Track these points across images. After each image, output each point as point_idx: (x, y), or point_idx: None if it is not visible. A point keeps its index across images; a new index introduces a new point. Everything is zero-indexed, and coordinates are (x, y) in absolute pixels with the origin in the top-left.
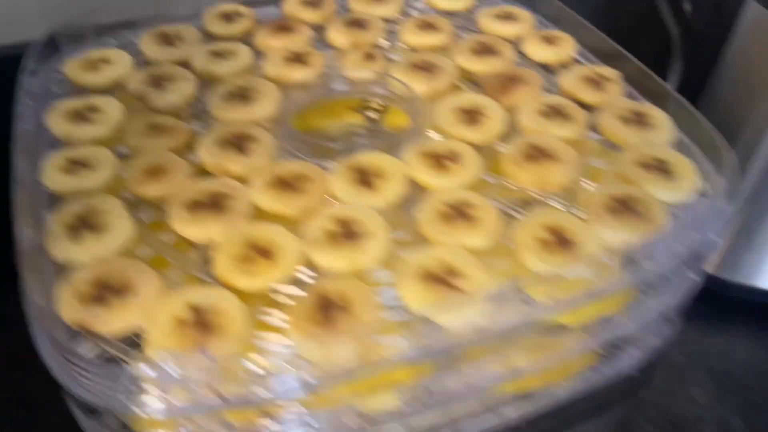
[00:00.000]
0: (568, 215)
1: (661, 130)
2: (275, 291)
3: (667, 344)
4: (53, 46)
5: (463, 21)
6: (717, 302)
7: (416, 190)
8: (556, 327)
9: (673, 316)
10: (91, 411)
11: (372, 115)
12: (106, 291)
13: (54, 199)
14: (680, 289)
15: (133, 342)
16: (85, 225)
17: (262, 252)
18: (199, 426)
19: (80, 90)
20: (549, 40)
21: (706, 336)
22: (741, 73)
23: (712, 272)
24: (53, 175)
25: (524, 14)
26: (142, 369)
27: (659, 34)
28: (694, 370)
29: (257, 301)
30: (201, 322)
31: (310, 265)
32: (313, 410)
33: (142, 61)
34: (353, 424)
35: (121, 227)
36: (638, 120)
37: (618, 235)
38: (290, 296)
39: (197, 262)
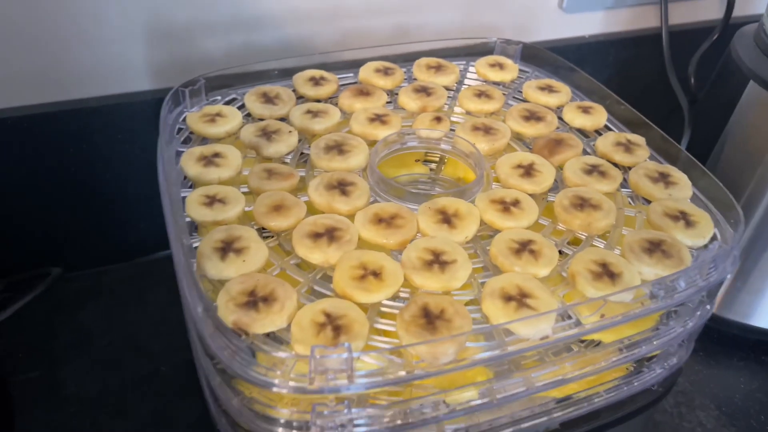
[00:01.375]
0: (611, 253)
1: (682, 187)
2: (382, 304)
3: (682, 363)
4: (176, 100)
5: (510, 90)
6: (719, 338)
7: (485, 229)
8: (596, 344)
9: (690, 339)
10: (236, 390)
11: (432, 166)
12: (257, 299)
13: (195, 228)
14: (697, 316)
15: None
16: (229, 248)
17: (373, 273)
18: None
19: (198, 137)
20: (585, 110)
21: (709, 368)
22: (742, 140)
23: (715, 312)
24: (195, 209)
25: (562, 86)
26: (293, 357)
27: (663, 102)
28: (700, 397)
29: (368, 311)
30: (333, 325)
31: (407, 284)
32: (408, 400)
33: (246, 114)
34: (440, 411)
35: (258, 251)
36: (663, 179)
37: (652, 270)
38: (394, 308)
39: (318, 280)
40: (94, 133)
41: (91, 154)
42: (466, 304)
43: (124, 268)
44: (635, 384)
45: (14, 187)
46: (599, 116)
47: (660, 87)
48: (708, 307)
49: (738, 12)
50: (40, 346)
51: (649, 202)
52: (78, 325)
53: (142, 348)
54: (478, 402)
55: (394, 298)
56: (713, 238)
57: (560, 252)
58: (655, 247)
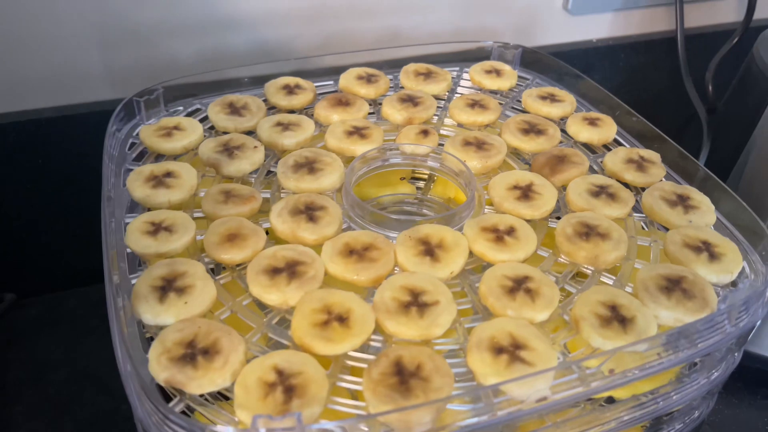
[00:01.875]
0: (623, 292)
1: (704, 212)
2: (348, 356)
3: (705, 416)
4: (130, 111)
5: (508, 99)
6: (740, 373)
7: (475, 261)
8: (607, 399)
9: (714, 390)
10: None
11: (419, 184)
12: (196, 352)
13: (136, 258)
14: (725, 366)
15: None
16: (170, 287)
17: (338, 318)
18: None
19: (153, 153)
20: (592, 122)
21: (731, 407)
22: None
23: None
24: (137, 239)
25: (566, 95)
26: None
27: (677, 111)
28: None
29: (331, 365)
30: (285, 385)
31: (379, 331)
32: None
33: (209, 127)
34: None
35: (204, 290)
36: (681, 202)
37: (671, 313)
38: (362, 360)
39: (273, 325)
40: (51, 146)
41: (48, 169)
42: (450, 353)
43: (86, 293)
44: None
45: None
46: (608, 129)
47: (674, 96)
48: (737, 354)
49: (759, 14)
50: None
51: (666, 229)
52: (33, 357)
53: (103, 384)
54: None
55: (364, 347)
56: (741, 273)
57: (562, 289)
58: (674, 286)
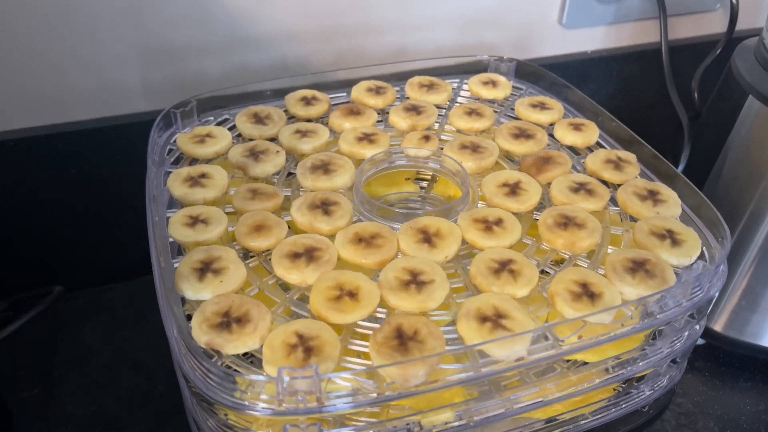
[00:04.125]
0: (593, 273)
1: (671, 205)
2: (357, 325)
3: (674, 385)
4: (167, 121)
5: (503, 107)
6: (726, 359)
7: (467, 248)
8: (580, 364)
9: (681, 359)
10: (212, 410)
11: (423, 184)
12: (230, 320)
13: (178, 247)
14: (685, 336)
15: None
16: (208, 269)
17: (349, 294)
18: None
19: (188, 158)
20: (576, 127)
21: (714, 389)
22: (743, 156)
23: (721, 331)
24: (178, 229)
25: (555, 104)
26: (261, 379)
27: (668, 117)
28: (703, 418)
29: (343, 332)
30: (305, 346)
31: (384, 305)
32: (383, 421)
33: (237, 134)
34: None
35: (236, 271)
36: (651, 197)
37: (634, 290)
38: (369, 329)
39: (295, 300)
40: (94, 154)
41: (92, 174)
42: (445, 325)
43: (125, 287)
44: (623, 406)
45: (17, 208)
46: (591, 133)
47: (665, 102)
48: (697, 327)
49: (742, 25)
50: (41, 364)
51: (637, 220)
52: (78, 343)
53: (140, 367)
54: (455, 424)
55: (371, 319)
56: (702, 257)
57: (544, 272)
58: (638, 267)
